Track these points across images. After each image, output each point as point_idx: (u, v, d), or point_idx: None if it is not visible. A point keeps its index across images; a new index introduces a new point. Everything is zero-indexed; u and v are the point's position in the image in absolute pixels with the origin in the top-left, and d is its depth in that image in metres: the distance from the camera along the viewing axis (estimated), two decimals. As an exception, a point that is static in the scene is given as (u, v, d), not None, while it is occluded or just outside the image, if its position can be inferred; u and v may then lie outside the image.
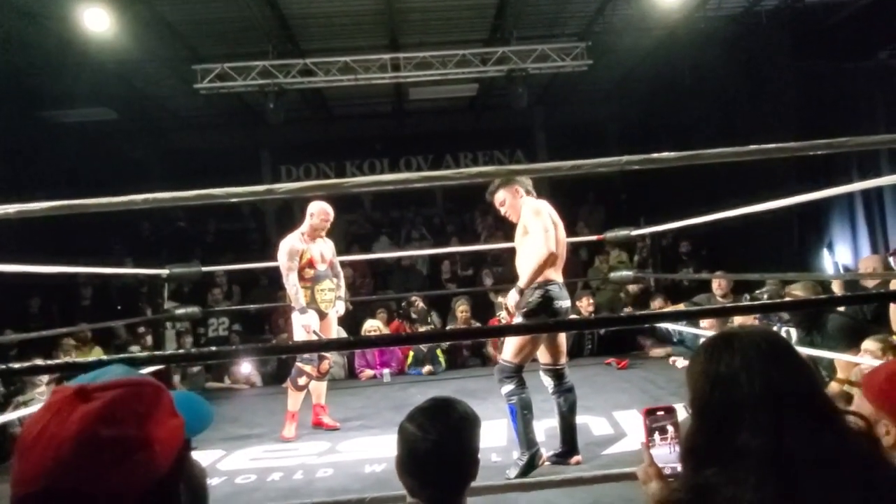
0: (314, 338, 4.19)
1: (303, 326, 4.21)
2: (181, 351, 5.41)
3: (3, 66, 7.87)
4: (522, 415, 3.24)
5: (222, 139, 11.13)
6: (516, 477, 3.13)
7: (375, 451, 3.89)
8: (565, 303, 3.35)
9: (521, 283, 3.25)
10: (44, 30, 7.13)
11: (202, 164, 10.34)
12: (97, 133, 9.94)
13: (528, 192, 3.46)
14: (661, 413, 1.17)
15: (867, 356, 3.44)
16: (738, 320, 4.27)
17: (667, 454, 1.14)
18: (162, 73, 8.59)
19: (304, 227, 4.41)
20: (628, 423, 4.06)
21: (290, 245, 4.31)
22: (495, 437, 3.87)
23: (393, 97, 10.34)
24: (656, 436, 1.16)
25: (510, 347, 3.33)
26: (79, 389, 0.70)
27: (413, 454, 1.37)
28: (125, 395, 0.70)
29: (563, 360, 3.46)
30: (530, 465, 3.21)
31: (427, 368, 6.32)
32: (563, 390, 3.40)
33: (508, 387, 3.27)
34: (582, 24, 8.27)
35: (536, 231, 3.24)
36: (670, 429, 1.16)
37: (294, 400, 4.37)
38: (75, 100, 8.67)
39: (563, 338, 3.51)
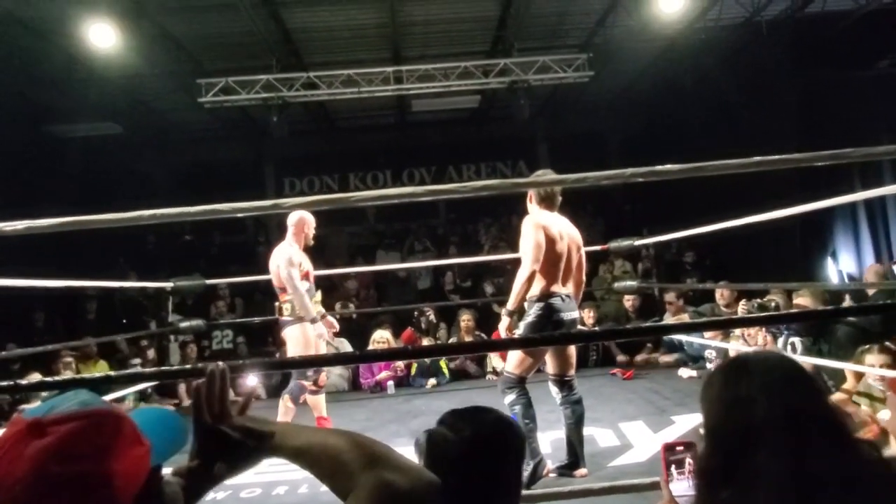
0: (327, 347, 4.19)
1: (318, 336, 4.19)
2: (188, 366, 5.41)
3: (10, 82, 7.95)
4: (524, 424, 3.22)
5: (226, 152, 11.21)
6: (522, 488, 3.12)
7: (381, 463, 3.87)
8: (569, 315, 3.31)
9: (509, 305, 3.27)
10: (50, 45, 7.21)
11: (206, 176, 10.41)
12: (103, 147, 10.00)
13: (542, 201, 3.38)
14: (681, 448, 1.17)
15: (873, 369, 3.42)
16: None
17: (686, 488, 1.14)
18: (167, 88, 8.67)
19: (295, 238, 4.34)
20: (634, 434, 4.04)
21: (290, 255, 4.23)
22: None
23: (395, 109, 10.40)
24: (674, 470, 1.15)
25: (512, 360, 3.35)
26: (33, 423, 0.65)
27: (442, 459, 1.08)
28: (82, 428, 0.66)
29: (572, 371, 3.45)
30: (533, 476, 3.19)
31: (431, 382, 6.32)
32: (571, 401, 3.38)
33: (510, 397, 3.29)
34: (583, 36, 8.33)
35: (526, 247, 3.24)
36: (689, 463, 1.15)
37: (288, 416, 4.29)
38: (81, 114, 8.75)
39: (572, 349, 3.47)
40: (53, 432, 0.65)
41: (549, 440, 4.01)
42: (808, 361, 3.47)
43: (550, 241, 3.25)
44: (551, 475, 3.33)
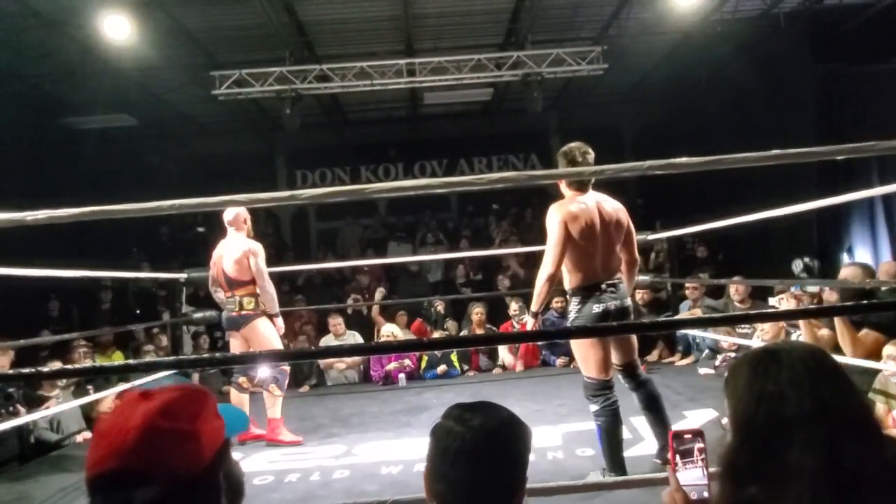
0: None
1: (278, 329, 4.29)
2: (205, 356, 5.46)
3: (25, 74, 8.03)
4: (607, 437, 3.02)
5: (239, 144, 11.26)
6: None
7: (391, 453, 3.90)
8: (612, 303, 3.03)
9: (532, 306, 3.09)
10: (65, 38, 7.26)
11: (219, 169, 10.48)
12: (117, 139, 10.09)
13: (571, 183, 3.13)
14: (688, 436, 1.15)
15: (890, 362, 3.39)
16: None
17: (693, 478, 1.11)
18: (180, 80, 8.71)
19: (245, 232, 4.33)
20: (646, 428, 4.02)
21: (257, 248, 4.26)
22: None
23: (408, 102, 10.39)
24: (682, 458, 1.14)
25: (583, 363, 3.10)
26: (143, 392, 0.85)
27: (446, 450, 1.10)
28: (180, 396, 0.84)
29: (629, 358, 3.18)
30: None
31: (441, 368, 6.36)
32: (638, 384, 3.16)
33: (594, 406, 3.05)
34: (597, 28, 8.27)
35: (548, 244, 3.03)
36: (697, 452, 1.14)
37: (277, 404, 4.36)
38: (96, 106, 8.82)
39: (631, 338, 3.19)
40: (158, 398, 0.82)
41: (561, 433, 4.03)
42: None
43: (577, 233, 2.99)
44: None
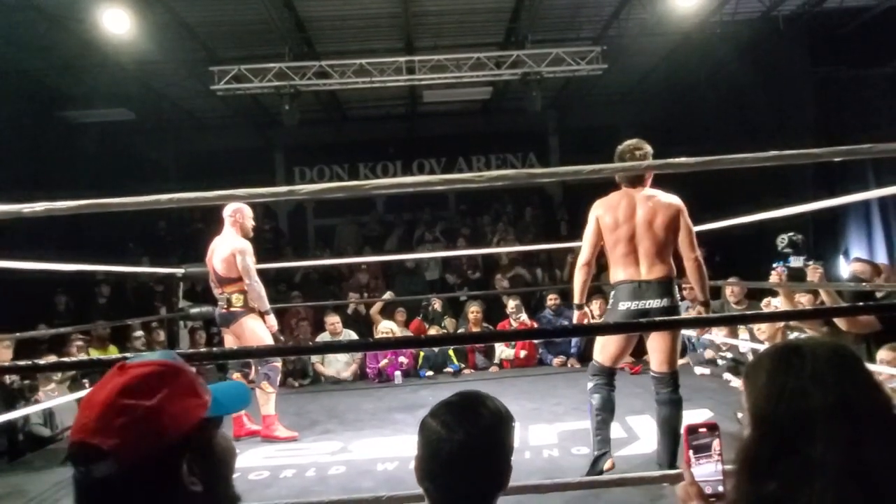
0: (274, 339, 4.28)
1: (269, 328, 4.27)
2: (203, 349, 5.46)
3: (25, 68, 8.01)
4: (596, 414, 3.11)
5: (237, 140, 11.25)
6: (585, 475, 3.05)
7: (387, 450, 3.91)
8: (633, 304, 2.99)
9: (574, 298, 3.21)
10: (65, 31, 7.25)
11: (217, 164, 10.46)
12: (115, 133, 10.07)
13: (623, 178, 3.11)
14: (704, 430, 1.14)
15: (883, 366, 3.42)
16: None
17: (708, 473, 1.11)
18: (179, 75, 8.70)
19: (240, 231, 4.32)
20: (641, 427, 4.05)
21: (246, 246, 4.25)
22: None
23: (407, 100, 10.39)
24: (697, 453, 1.14)
25: (596, 346, 3.24)
26: (121, 365, 0.85)
27: (435, 456, 1.18)
28: (150, 372, 0.83)
29: (665, 367, 3.06)
30: (593, 467, 3.06)
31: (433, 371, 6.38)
32: (663, 400, 3.05)
33: (590, 384, 3.17)
34: (597, 28, 8.28)
35: (583, 239, 3.15)
36: (713, 447, 1.13)
37: (271, 401, 4.35)
38: (95, 100, 8.81)
39: (664, 343, 3.05)
40: (129, 374, 0.83)
41: (556, 432, 4.05)
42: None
43: (608, 227, 3.05)
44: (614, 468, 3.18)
